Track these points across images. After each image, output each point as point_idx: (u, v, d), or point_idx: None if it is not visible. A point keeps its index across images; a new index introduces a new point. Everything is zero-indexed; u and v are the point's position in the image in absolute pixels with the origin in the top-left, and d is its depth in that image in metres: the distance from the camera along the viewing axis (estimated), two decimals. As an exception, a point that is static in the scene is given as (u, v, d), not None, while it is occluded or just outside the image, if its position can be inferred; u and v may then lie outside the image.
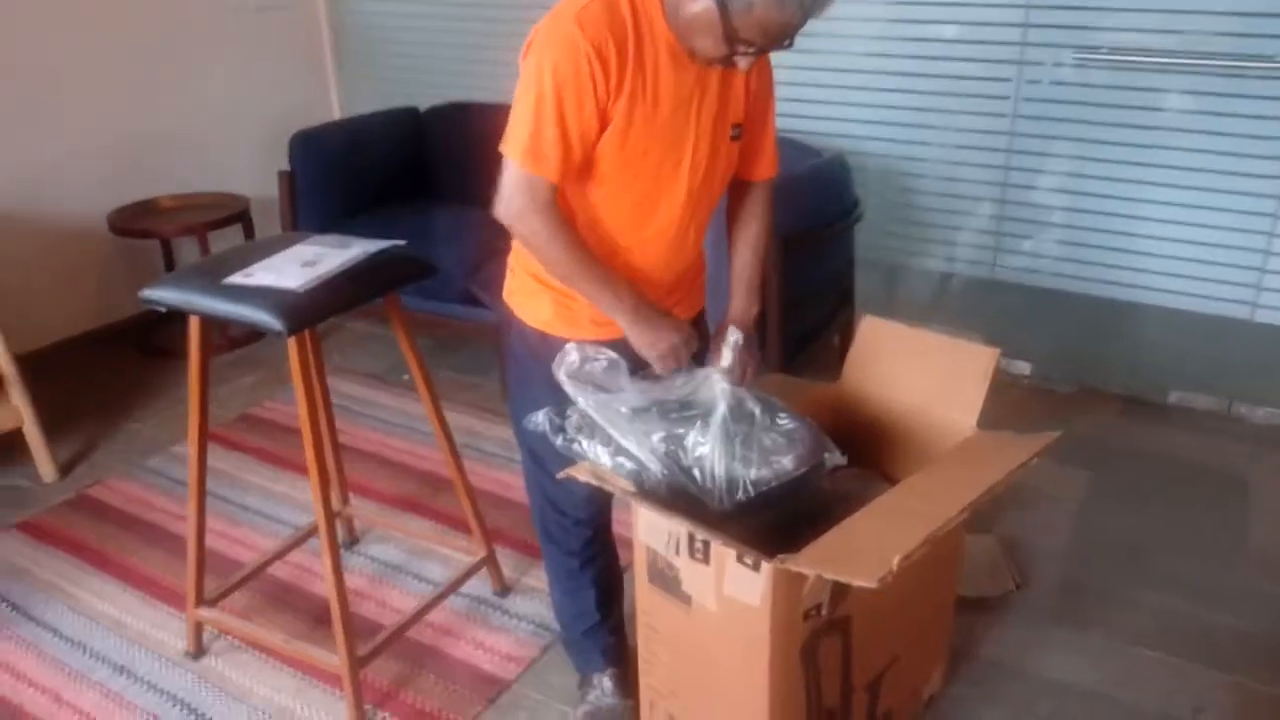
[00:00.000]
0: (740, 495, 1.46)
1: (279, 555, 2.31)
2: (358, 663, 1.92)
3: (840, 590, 1.47)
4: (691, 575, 1.50)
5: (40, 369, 3.05)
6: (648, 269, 1.59)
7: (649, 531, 1.54)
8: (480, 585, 2.31)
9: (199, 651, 2.14)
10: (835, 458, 1.55)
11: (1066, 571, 2.34)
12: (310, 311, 1.75)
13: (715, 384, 1.55)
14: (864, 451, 1.78)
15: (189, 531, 2.02)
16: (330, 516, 1.86)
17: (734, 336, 1.59)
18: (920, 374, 1.81)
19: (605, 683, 1.91)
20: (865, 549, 1.34)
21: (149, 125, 3.68)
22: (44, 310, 3.43)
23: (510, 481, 2.69)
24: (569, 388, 1.51)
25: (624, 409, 1.50)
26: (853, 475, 1.70)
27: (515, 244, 1.63)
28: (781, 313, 2.67)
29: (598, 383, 1.51)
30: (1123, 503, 2.59)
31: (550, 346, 1.57)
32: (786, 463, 1.49)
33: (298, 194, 3.49)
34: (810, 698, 1.56)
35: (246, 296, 1.73)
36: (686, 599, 1.53)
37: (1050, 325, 3.23)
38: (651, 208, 1.53)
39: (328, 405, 2.21)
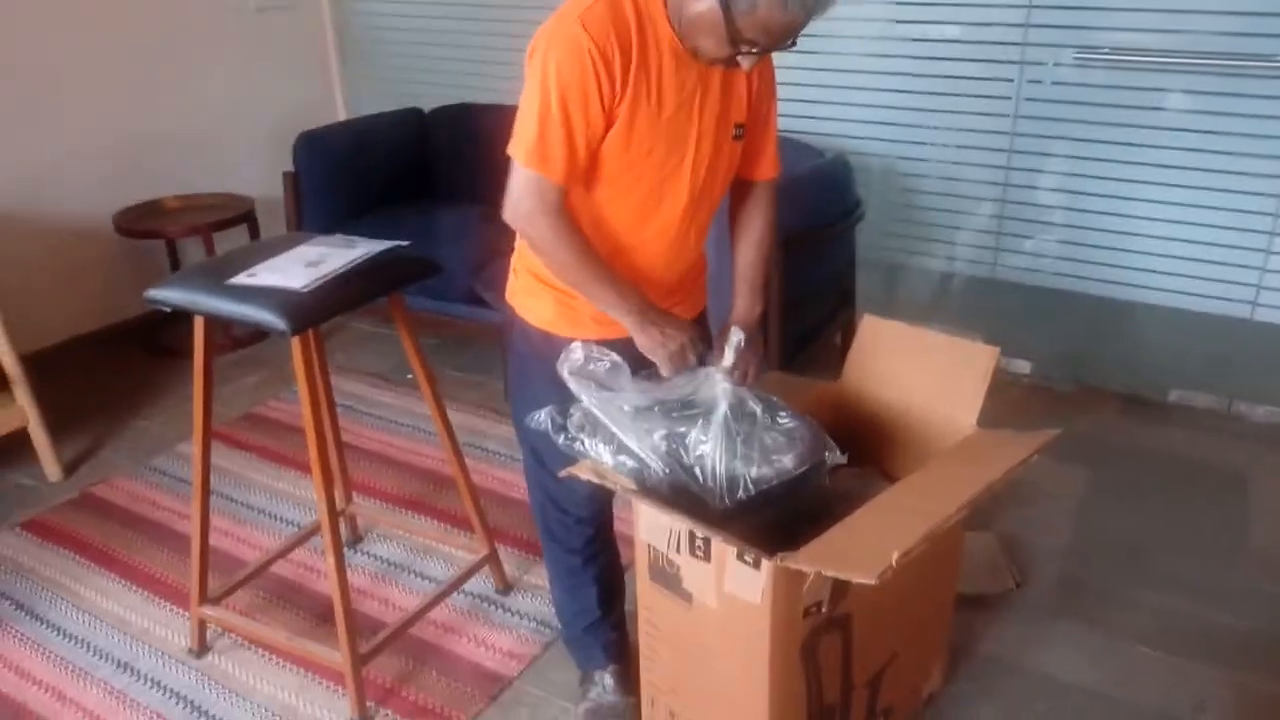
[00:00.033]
0: (741, 493, 1.47)
1: (282, 553, 2.32)
2: (360, 660, 1.92)
3: (840, 587, 1.48)
4: (692, 573, 1.51)
5: (45, 368, 3.07)
6: (650, 269, 1.59)
7: (650, 529, 1.55)
8: (482, 583, 2.32)
9: (202, 649, 2.15)
10: (835, 456, 1.55)
11: (1066, 569, 2.34)
12: (314, 311, 1.76)
13: (716, 383, 1.55)
14: (864, 450, 1.78)
15: (193, 530, 2.04)
16: (333, 515, 1.87)
17: (737, 337, 1.59)
18: (920, 373, 1.82)
19: (606, 680, 1.91)
20: (865, 546, 1.34)
21: (154, 126, 3.69)
22: (49, 310, 3.44)
23: (512, 480, 2.70)
24: (573, 385, 1.51)
25: (626, 407, 1.51)
26: (853, 474, 1.71)
27: (518, 244, 1.64)
28: (782, 312, 2.67)
29: (600, 381, 1.52)
30: (1122, 501, 2.60)
31: (553, 346, 1.58)
32: (787, 461, 1.49)
33: (302, 194, 3.50)
34: (810, 694, 1.57)
35: (251, 296, 1.74)
36: (687, 596, 1.54)
37: (1050, 324, 3.23)
38: (654, 207, 1.54)
39: (331, 404, 2.22)
